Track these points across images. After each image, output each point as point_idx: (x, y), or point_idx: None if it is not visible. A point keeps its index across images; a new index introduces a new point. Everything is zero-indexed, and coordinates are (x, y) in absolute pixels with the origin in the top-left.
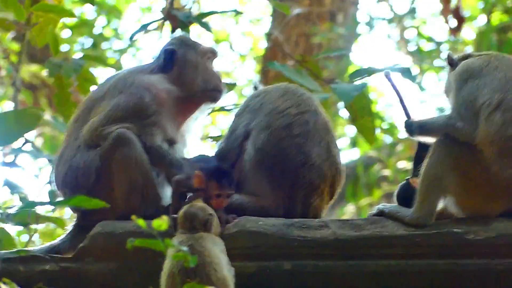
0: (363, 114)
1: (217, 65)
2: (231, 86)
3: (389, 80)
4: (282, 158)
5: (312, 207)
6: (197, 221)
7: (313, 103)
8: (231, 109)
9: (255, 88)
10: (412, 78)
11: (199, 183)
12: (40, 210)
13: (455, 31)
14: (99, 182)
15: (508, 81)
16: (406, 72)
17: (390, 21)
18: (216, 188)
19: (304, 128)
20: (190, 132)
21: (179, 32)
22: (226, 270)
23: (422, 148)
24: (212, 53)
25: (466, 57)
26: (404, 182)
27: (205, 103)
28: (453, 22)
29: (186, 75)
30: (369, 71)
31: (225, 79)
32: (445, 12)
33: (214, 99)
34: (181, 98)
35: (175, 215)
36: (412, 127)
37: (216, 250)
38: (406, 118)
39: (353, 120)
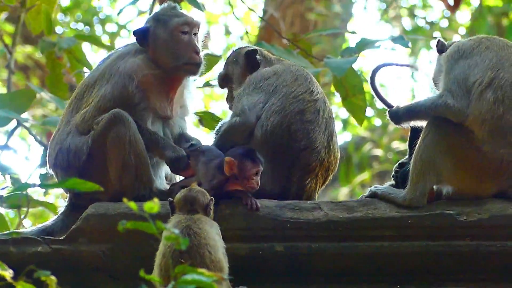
0: (354, 92)
1: (201, 36)
2: (216, 58)
3: (373, 73)
4: (288, 140)
5: (307, 188)
6: (197, 204)
7: (320, 90)
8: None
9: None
10: (405, 43)
11: (230, 169)
12: (32, 193)
13: (453, 8)
14: (91, 162)
15: (499, 60)
16: (398, 39)
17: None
18: (252, 167)
19: (315, 115)
20: (186, 103)
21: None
22: (221, 252)
23: (415, 131)
24: (188, 25)
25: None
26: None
27: (184, 77)
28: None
29: (158, 52)
30: (360, 46)
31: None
32: None
33: (191, 73)
34: (162, 75)
35: (171, 199)
36: (399, 113)
37: (213, 232)
38: (387, 108)
39: (344, 98)
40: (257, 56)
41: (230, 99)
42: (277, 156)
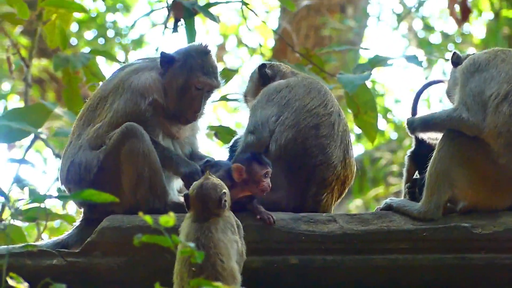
0: (366, 109)
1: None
2: (232, 73)
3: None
4: (304, 156)
5: (323, 203)
6: (210, 202)
7: (335, 102)
8: (234, 99)
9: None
10: (419, 63)
11: (239, 175)
12: (50, 206)
13: (461, 22)
14: (104, 176)
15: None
16: (412, 58)
17: (399, 15)
18: (261, 169)
19: (330, 130)
20: (196, 122)
21: (182, 24)
22: (234, 260)
23: (420, 146)
24: (205, 85)
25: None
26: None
27: (179, 123)
28: (460, 13)
29: (169, 86)
30: (373, 62)
31: (224, 65)
32: (451, 2)
33: (181, 123)
34: (167, 109)
35: (187, 193)
36: (414, 124)
37: (225, 238)
38: (410, 116)
39: (355, 115)
40: (267, 70)
41: None
42: (293, 171)
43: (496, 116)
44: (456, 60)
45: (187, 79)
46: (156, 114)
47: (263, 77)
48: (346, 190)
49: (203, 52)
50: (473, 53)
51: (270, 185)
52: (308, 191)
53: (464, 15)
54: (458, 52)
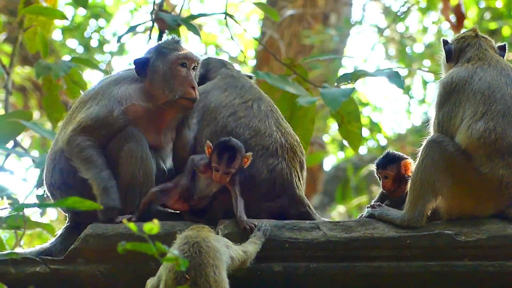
0: (350, 119)
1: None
2: None
3: None
4: (234, 137)
5: (277, 171)
6: None
7: (254, 91)
8: None
9: None
10: (400, 84)
11: (207, 152)
12: (29, 214)
13: (456, 28)
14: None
15: (491, 93)
16: (394, 77)
17: (378, 28)
18: (216, 162)
19: (249, 111)
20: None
21: (166, 34)
22: (225, 273)
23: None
24: (186, 59)
25: (462, 44)
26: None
27: (178, 111)
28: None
29: (155, 84)
30: (356, 75)
31: None
32: (445, 9)
33: (186, 108)
34: (153, 109)
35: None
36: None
37: (221, 250)
38: None
39: (339, 125)
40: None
41: None
42: None
43: (469, 133)
44: (447, 51)
45: (168, 62)
46: (137, 122)
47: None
48: (304, 160)
49: (175, 41)
50: (453, 69)
51: (223, 181)
52: (256, 163)
53: (459, 21)
54: (446, 39)
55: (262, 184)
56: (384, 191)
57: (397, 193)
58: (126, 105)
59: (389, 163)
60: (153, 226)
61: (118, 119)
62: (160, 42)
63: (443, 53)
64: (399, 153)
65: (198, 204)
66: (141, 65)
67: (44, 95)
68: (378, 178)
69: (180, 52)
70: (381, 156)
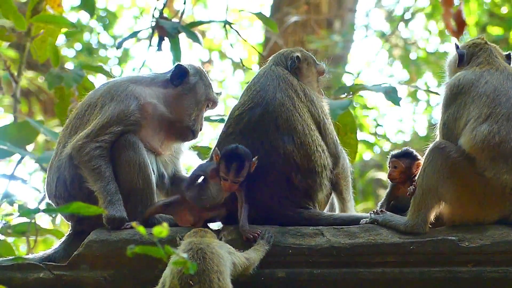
0: (346, 130)
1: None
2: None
3: None
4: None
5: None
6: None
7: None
8: (217, 120)
9: None
10: (397, 100)
11: (216, 159)
12: (39, 221)
13: (457, 34)
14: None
15: (496, 96)
16: (391, 93)
17: (382, 33)
18: (223, 172)
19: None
20: (179, 148)
21: (167, 42)
22: (228, 279)
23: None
24: (213, 103)
25: (474, 49)
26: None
27: (178, 138)
28: (456, 26)
29: (184, 101)
30: (353, 88)
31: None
32: (446, 15)
33: (184, 139)
34: (167, 119)
35: None
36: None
37: (224, 256)
38: None
39: None
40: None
41: None
42: None
43: (473, 135)
44: (460, 53)
45: (204, 97)
46: (140, 124)
47: None
48: None
49: (206, 74)
50: (461, 72)
51: (231, 190)
52: None
53: (460, 27)
54: (457, 43)
55: None
56: (389, 181)
57: (399, 190)
58: (145, 101)
59: (404, 156)
60: (162, 230)
61: (133, 113)
62: (203, 71)
63: (452, 57)
64: (417, 153)
65: (211, 211)
66: (181, 73)
67: (53, 99)
68: (388, 167)
69: (216, 96)
70: (400, 149)
